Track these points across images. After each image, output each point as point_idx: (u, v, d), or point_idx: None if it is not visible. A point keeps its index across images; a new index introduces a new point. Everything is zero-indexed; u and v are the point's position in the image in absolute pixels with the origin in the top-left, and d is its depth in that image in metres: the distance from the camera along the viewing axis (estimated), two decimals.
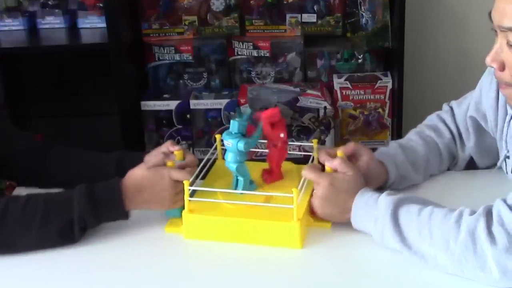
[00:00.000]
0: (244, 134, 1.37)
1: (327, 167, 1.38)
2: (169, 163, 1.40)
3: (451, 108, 1.58)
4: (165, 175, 1.36)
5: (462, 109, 1.55)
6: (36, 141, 1.57)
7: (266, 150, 1.46)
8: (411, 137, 1.55)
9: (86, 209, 1.32)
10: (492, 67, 1.27)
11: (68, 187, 1.38)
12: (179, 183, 1.36)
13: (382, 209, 1.29)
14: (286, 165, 1.47)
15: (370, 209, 1.30)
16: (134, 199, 1.35)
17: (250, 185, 1.42)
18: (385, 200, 1.30)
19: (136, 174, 1.36)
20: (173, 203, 1.38)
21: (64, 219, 1.32)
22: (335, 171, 1.37)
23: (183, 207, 1.37)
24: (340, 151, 1.41)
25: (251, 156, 1.44)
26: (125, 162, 1.46)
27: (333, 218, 1.37)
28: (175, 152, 1.43)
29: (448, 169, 1.58)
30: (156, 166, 1.39)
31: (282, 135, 1.42)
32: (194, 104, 2.35)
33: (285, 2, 2.35)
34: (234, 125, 1.37)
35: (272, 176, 1.45)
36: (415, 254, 1.25)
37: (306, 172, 1.37)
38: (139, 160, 1.45)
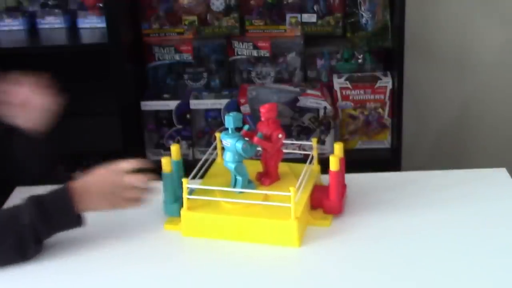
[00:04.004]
0: (240, 128, 1.37)
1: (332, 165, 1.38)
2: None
3: None
4: (118, 170, 1.35)
5: None
6: None
7: None
8: None
9: (36, 217, 1.28)
10: None
11: None
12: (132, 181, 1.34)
13: None
14: (281, 166, 1.47)
15: None
16: (87, 197, 1.32)
17: (249, 184, 1.42)
18: None
19: (88, 174, 1.35)
20: (126, 200, 1.35)
21: (16, 232, 1.28)
22: None
23: (181, 205, 1.37)
24: None
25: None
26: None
27: None
28: (172, 148, 1.43)
29: None
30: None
31: (280, 135, 1.42)
32: (194, 104, 2.35)
33: (285, 2, 2.35)
34: (229, 120, 1.37)
35: (271, 177, 1.45)
36: None
37: None
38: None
